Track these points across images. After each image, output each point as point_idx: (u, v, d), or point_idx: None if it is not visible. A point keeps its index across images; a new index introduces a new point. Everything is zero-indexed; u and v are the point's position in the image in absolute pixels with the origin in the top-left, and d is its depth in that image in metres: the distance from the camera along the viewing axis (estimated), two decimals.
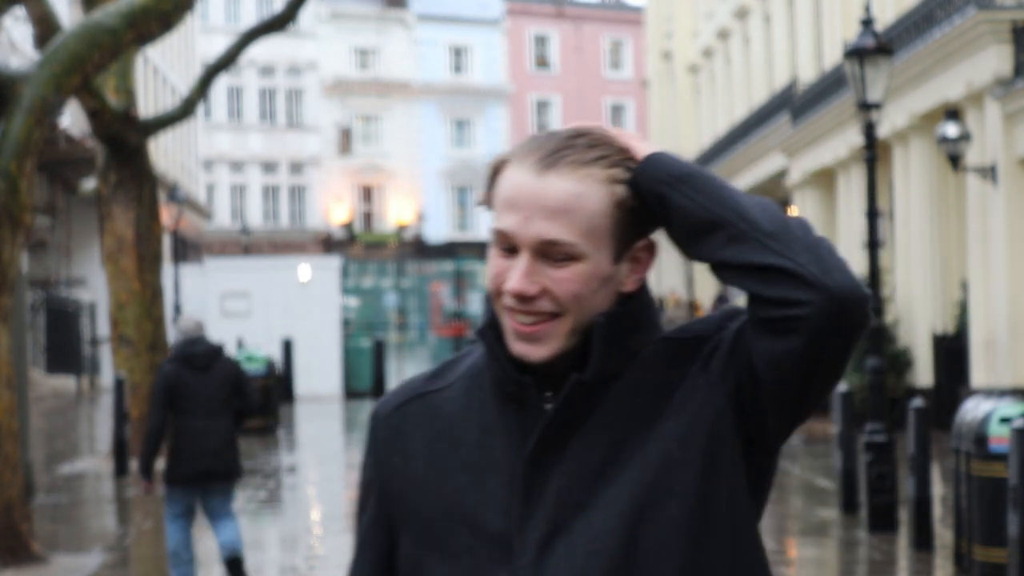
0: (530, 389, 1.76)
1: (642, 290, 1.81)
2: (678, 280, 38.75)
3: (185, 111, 18.77)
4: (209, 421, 8.45)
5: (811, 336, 1.67)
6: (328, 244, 52.09)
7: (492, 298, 1.78)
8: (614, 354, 1.76)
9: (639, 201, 1.75)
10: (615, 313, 1.76)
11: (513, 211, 1.74)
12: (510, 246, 1.74)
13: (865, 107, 12.36)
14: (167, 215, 27.58)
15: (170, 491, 8.57)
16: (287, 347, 25.12)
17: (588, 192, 1.73)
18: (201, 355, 8.54)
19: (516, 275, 1.73)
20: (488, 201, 1.79)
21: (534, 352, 1.75)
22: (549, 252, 1.73)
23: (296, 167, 54.68)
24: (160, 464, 10.64)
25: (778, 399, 1.72)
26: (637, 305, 1.79)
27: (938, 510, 11.69)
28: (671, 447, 1.73)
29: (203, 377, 8.49)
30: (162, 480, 8.70)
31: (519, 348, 1.75)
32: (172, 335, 25.72)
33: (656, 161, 1.73)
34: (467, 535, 1.77)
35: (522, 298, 1.73)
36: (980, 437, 8.66)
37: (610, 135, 1.77)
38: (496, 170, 1.78)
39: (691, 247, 1.73)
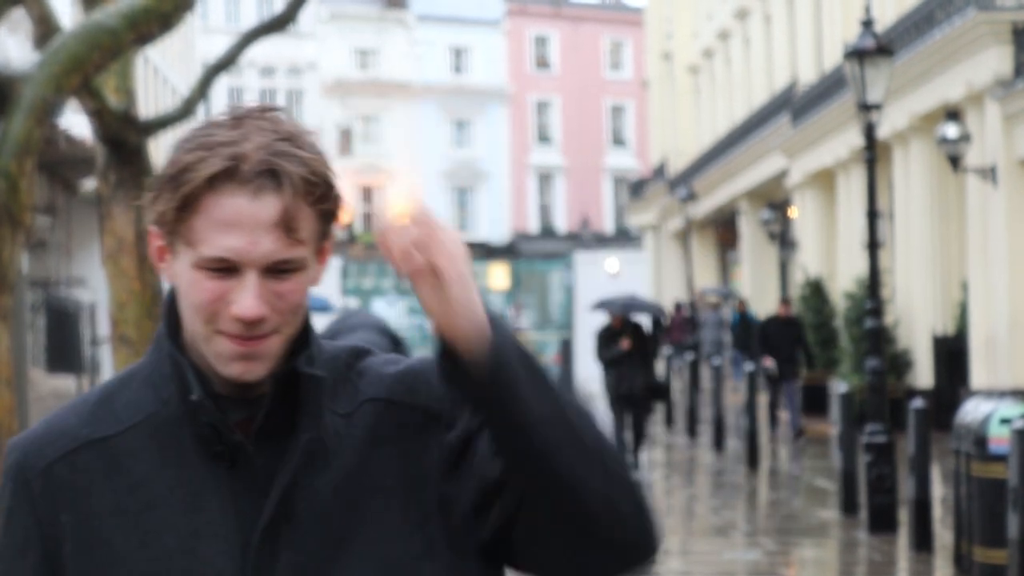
0: (244, 447, 1.61)
1: (307, 310, 1.67)
2: (678, 280, 38.74)
3: (185, 111, 18.68)
4: None
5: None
6: None
7: (199, 321, 1.60)
8: (318, 401, 1.64)
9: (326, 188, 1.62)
10: (310, 357, 1.65)
11: (233, 232, 1.56)
12: (227, 267, 1.58)
13: (865, 108, 12.37)
14: None
15: None
16: None
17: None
18: None
19: (248, 299, 1.57)
20: (170, 221, 1.60)
21: (253, 370, 1.60)
22: (276, 268, 1.58)
23: None
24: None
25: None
26: (315, 339, 1.67)
27: (938, 511, 11.69)
28: (415, 532, 1.63)
29: None
30: None
31: (236, 368, 1.60)
32: None
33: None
34: None
35: (254, 322, 1.58)
36: (980, 438, 8.67)
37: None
38: (190, 194, 1.57)
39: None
